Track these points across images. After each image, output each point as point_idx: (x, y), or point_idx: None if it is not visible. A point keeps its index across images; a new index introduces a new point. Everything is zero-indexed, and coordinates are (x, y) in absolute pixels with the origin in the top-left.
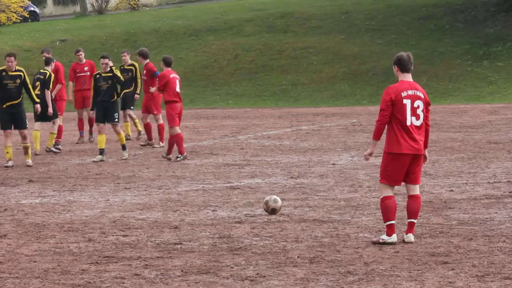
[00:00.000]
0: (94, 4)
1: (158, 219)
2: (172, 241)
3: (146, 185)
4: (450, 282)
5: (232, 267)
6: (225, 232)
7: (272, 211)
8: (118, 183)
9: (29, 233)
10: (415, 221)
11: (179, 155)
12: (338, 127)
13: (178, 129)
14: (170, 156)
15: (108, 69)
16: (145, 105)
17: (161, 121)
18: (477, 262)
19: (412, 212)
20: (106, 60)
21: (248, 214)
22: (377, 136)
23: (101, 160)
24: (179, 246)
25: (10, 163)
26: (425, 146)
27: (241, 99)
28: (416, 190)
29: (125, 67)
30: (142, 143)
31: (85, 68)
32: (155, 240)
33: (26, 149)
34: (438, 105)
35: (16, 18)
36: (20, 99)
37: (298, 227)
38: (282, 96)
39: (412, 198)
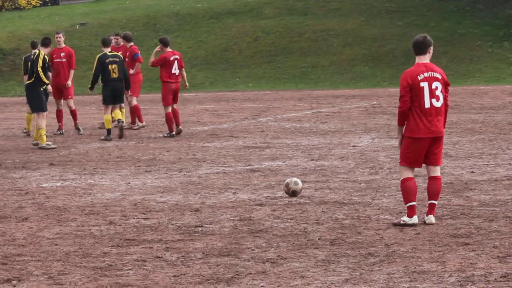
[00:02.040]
0: None
1: (179, 202)
2: (193, 223)
3: (166, 168)
4: (471, 263)
5: (253, 249)
6: (245, 215)
7: (293, 193)
8: (138, 166)
9: (50, 216)
10: (435, 202)
11: (168, 132)
12: (358, 109)
13: (169, 108)
14: (173, 133)
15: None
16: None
17: (134, 103)
18: (498, 243)
19: (433, 193)
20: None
21: (268, 196)
22: (401, 122)
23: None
24: (200, 228)
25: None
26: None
27: (261, 81)
28: (436, 171)
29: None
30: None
31: (62, 54)
32: (176, 223)
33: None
34: (459, 86)
35: (36, 2)
36: (31, 80)
37: (319, 209)
38: (302, 78)
39: (432, 179)
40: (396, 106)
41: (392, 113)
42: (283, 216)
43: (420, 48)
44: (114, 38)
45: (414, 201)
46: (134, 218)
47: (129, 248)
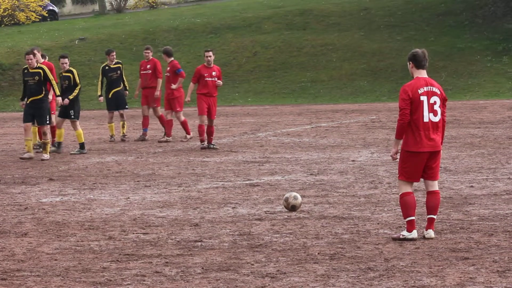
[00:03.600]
0: (113, 2)
1: (178, 217)
2: (193, 238)
3: (166, 182)
4: (471, 277)
5: (253, 264)
6: (245, 229)
7: (292, 208)
8: (138, 181)
9: (49, 231)
10: (434, 217)
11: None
12: (357, 124)
13: (204, 118)
14: (205, 143)
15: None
16: (168, 102)
17: (182, 118)
18: (498, 258)
19: (432, 208)
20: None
21: (268, 211)
22: (399, 135)
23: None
24: (199, 243)
25: (26, 155)
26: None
27: (260, 96)
28: (434, 186)
29: (111, 66)
30: (161, 139)
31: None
32: (175, 238)
33: (44, 144)
34: (458, 101)
35: (35, 17)
36: (42, 95)
37: (318, 224)
38: (301, 93)
39: (431, 194)
40: (395, 121)
41: (391, 128)
42: (283, 230)
43: (421, 62)
44: (145, 52)
45: (413, 216)
46: (133, 233)
47: (129, 263)
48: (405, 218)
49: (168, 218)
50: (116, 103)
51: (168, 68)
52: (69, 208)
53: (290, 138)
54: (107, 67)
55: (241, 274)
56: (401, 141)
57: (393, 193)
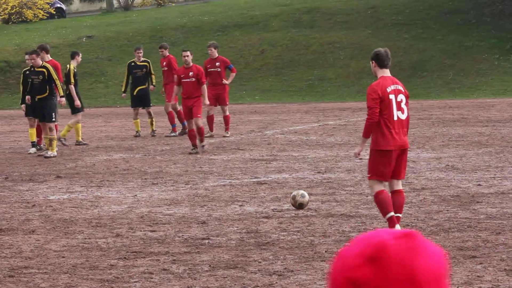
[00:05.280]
0: (120, 0)
1: (185, 214)
2: (200, 236)
3: (173, 180)
4: (478, 276)
5: (260, 262)
6: (252, 227)
7: (300, 206)
8: (145, 179)
9: (57, 228)
10: (401, 215)
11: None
12: (364, 122)
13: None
14: (196, 149)
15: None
16: (216, 97)
17: (227, 112)
18: (506, 256)
19: (398, 207)
20: (163, 50)
21: (275, 209)
22: (367, 134)
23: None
24: (206, 241)
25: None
26: None
27: (268, 94)
28: (399, 185)
29: (138, 63)
30: (207, 135)
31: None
32: (182, 235)
33: (50, 140)
34: (465, 99)
35: (43, 15)
36: (47, 93)
37: (326, 222)
38: (308, 91)
39: (396, 193)
40: None
41: None
42: (290, 228)
43: (384, 61)
44: (159, 50)
45: (392, 211)
46: (141, 231)
47: (136, 260)
48: (384, 216)
49: (176, 215)
50: (141, 101)
51: (219, 64)
52: (77, 206)
53: (298, 136)
54: (133, 63)
55: (248, 271)
56: (367, 140)
57: None
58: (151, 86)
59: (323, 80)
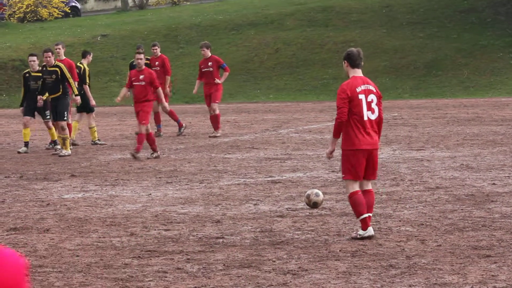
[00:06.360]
0: None
1: (200, 213)
2: (214, 235)
3: (187, 179)
4: (493, 275)
5: (274, 261)
6: (266, 226)
7: (314, 205)
8: (160, 178)
9: (71, 227)
10: (371, 215)
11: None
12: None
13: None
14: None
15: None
16: (209, 96)
17: (217, 111)
18: None
19: (369, 206)
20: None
21: (289, 208)
22: (337, 134)
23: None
24: (221, 240)
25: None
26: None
27: (282, 93)
28: (369, 185)
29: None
30: (211, 135)
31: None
32: (197, 234)
33: (63, 140)
34: (480, 98)
35: (58, 14)
36: (60, 93)
37: (340, 221)
38: (323, 90)
39: (366, 192)
40: (417, 118)
41: (413, 125)
42: (304, 227)
43: (356, 61)
44: (152, 48)
45: (365, 213)
46: (155, 230)
47: (150, 259)
48: (358, 218)
49: (190, 214)
50: None
51: (211, 63)
52: (91, 204)
53: (312, 135)
54: (134, 63)
55: (262, 271)
56: (338, 140)
57: (415, 191)
58: None
59: (338, 79)
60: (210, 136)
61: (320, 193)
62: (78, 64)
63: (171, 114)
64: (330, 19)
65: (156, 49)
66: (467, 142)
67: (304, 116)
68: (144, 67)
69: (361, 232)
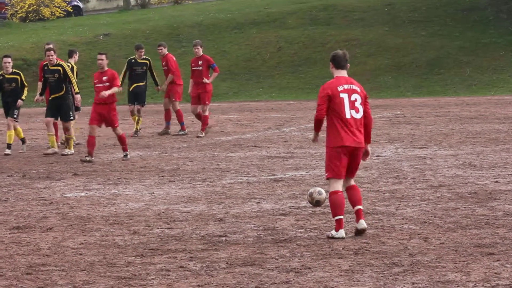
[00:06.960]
0: None
1: (202, 212)
2: (217, 233)
3: (190, 178)
4: (496, 273)
5: (277, 259)
6: (269, 224)
7: (317, 203)
8: (162, 176)
9: (74, 226)
10: (362, 207)
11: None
12: (381, 119)
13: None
14: (89, 157)
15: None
16: (198, 96)
17: (207, 113)
18: None
19: (356, 200)
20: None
21: (292, 206)
22: (317, 128)
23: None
24: (224, 238)
25: (50, 151)
26: (367, 141)
27: (285, 91)
28: (352, 181)
29: (138, 60)
30: (201, 135)
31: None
32: (200, 233)
33: (67, 139)
34: (482, 96)
35: (60, 13)
36: (63, 92)
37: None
38: None
39: (351, 188)
40: (420, 116)
41: (416, 123)
42: (307, 226)
43: (341, 62)
44: (157, 49)
45: (342, 215)
46: (158, 228)
47: (153, 258)
48: (333, 217)
49: (193, 213)
50: (136, 97)
51: (201, 62)
52: (94, 203)
53: None
54: (133, 60)
55: (265, 269)
56: (319, 133)
57: (417, 189)
58: (157, 87)
59: None
60: (197, 137)
61: (323, 191)
62: (67, 63)
63: (178, 114)
64: (332, 18)
65: (161, 49)
66: (470, 140)
67: (306, 114)
68: (106, 68)
69: (333, 232)
